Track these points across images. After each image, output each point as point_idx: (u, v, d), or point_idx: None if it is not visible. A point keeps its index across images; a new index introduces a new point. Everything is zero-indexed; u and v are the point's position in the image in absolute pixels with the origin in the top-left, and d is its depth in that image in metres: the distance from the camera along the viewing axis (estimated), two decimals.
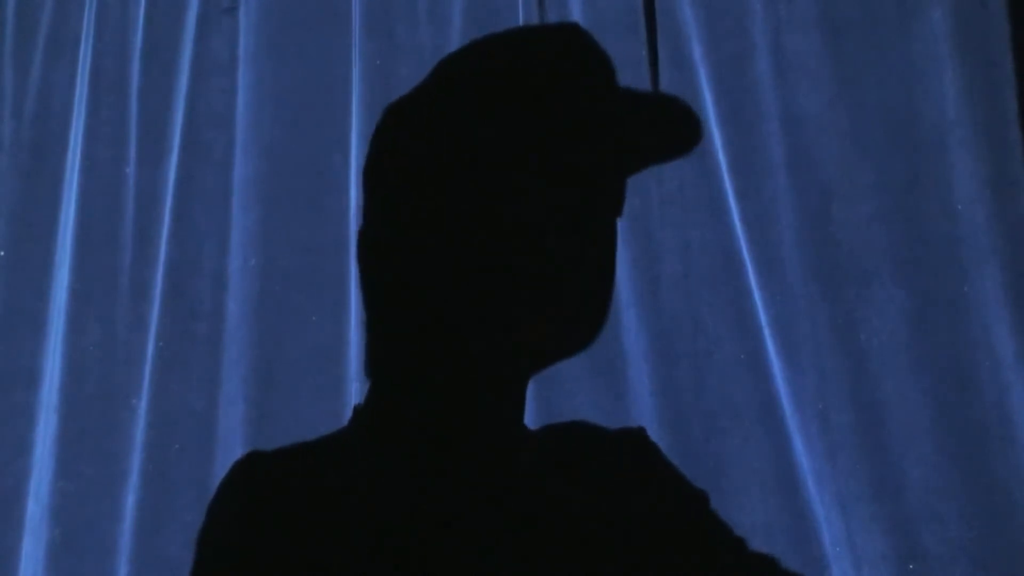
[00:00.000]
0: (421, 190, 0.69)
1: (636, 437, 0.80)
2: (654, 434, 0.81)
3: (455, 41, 1.76)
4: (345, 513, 0.65)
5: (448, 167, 0.67)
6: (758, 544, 0.73)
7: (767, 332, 1.61)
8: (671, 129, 0.68)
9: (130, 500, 1.67)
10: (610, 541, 0.70)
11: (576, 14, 1.74)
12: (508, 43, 0.73)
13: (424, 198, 0.68)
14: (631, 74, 1.69)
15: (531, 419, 0.76)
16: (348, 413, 0.76)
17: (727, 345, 1.61)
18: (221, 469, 1.64)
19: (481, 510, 0.68)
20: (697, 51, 1.71)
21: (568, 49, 0.69)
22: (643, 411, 1.58)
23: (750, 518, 1.52)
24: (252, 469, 0.69)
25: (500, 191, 0.66)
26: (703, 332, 1.63)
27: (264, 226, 1.75)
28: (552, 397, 1.56)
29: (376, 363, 0.74)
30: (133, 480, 1.68)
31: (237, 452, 1.62)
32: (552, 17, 1.76)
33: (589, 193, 0.67)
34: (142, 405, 1.71)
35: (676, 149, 0.69)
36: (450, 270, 0.67)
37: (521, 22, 1.75)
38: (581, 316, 0.67)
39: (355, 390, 1.65)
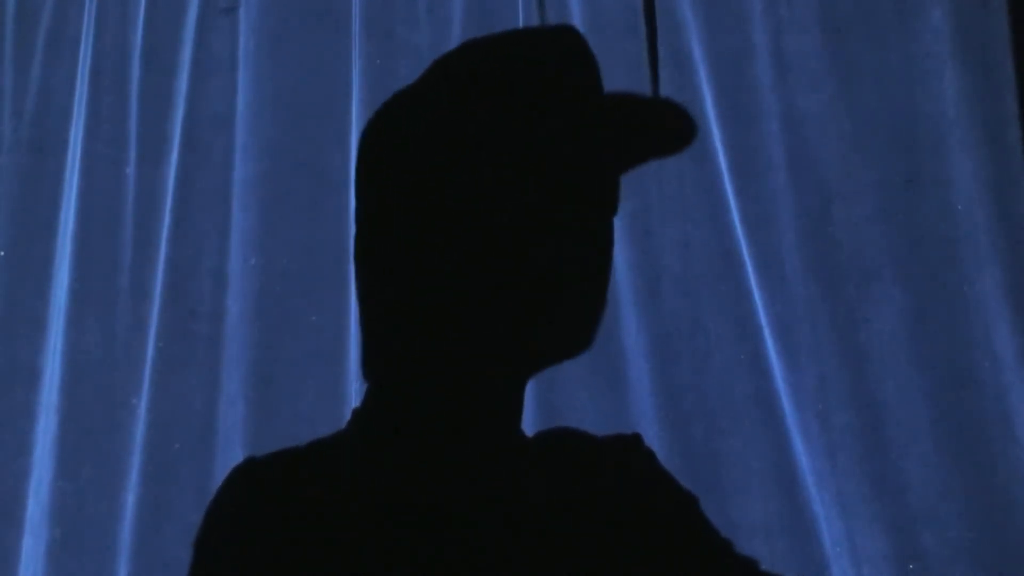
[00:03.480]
0: (417, 190, 0.69)
1: (629, 443, 0.81)
2: (654, 434, 0.81)
3: (455, 41, 1.76)
4: (342, 516, 0.65)
5: (444, 167, 0.67)
6: (758, 544, 0.73)
7: (767, 332, 1.61)
8: (666, 126, 0.68)
9: (130, 500, 1.67)
10: (601, 545, 0.70)
11: (576, 14, 1.74)
12: (504, 44, 0.73)
13: (419, 198, 0.68)
14: (631, 74, 1.69)
15: (532, 419, 0.76)
16: (348, 413, 0.76)
17: (727, 345, 1.61)
18: (221, 469, 1.64)
19: (477, 513, 0.68)
20: (697, 51, 1.71)
21: (563, 51, 0.70)
22: (643, 411, 1.58)
23: (750, 518, 1.52)
24: (249, 474, 0.69)
25: (495, 192, 0.66)
26: (703, 332, 1.63)
27: (264, 226, 1.75)
28: (552, 397, 1.56)
29: (373, 365, 0.74)
30: (133, 480, 1.68)
31: (237, 452, 1.62)
32: (552, 17, 1.75)
33: (585, 193, 0.67)
34: (142, 405, 1.71)
35: (671, 146, 0.70)
36: (445, 271, 0.67)
37: (521, 22, 1.75)
38: (577, 317, 0.67)
39: (355, 390, 1.65)
